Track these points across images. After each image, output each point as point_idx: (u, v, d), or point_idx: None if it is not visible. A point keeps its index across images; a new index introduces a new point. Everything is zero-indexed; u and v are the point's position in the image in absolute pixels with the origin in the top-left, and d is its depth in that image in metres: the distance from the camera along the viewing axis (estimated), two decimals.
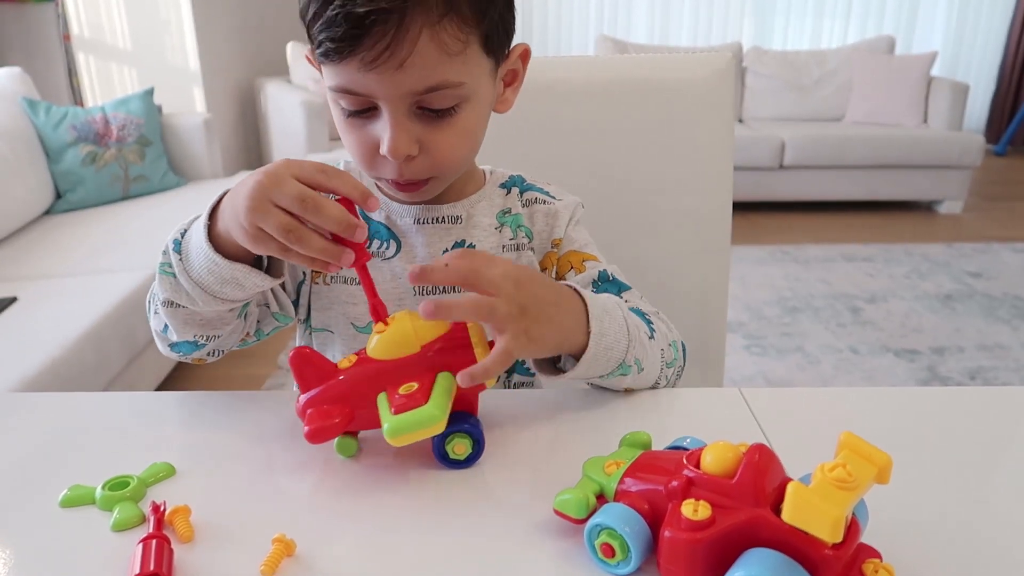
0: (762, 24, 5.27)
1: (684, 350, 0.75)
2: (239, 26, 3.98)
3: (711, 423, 0.64)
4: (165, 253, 0.64)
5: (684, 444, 0.51)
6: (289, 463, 0.59)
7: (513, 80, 0.75)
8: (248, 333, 0.74)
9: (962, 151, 3.97)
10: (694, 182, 1.01)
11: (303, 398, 0.58)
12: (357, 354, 0.59)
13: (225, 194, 0.61)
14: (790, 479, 0.43)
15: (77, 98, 3.24)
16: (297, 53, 3.82)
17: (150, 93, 2.88)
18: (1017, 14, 5.02)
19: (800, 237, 3.77)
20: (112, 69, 3.50)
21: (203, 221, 0.61)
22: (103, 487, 0.53)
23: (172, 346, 0.72)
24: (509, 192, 0.82)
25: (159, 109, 2.95)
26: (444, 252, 0.77)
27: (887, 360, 2.50)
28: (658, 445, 0.54)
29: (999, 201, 4.34)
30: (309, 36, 0.65)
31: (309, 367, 0.58)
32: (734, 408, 0.65)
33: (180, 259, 0.63)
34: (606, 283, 0.77)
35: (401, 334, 0.57)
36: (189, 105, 3.59)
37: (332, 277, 0.78)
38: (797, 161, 4.05)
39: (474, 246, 0.78)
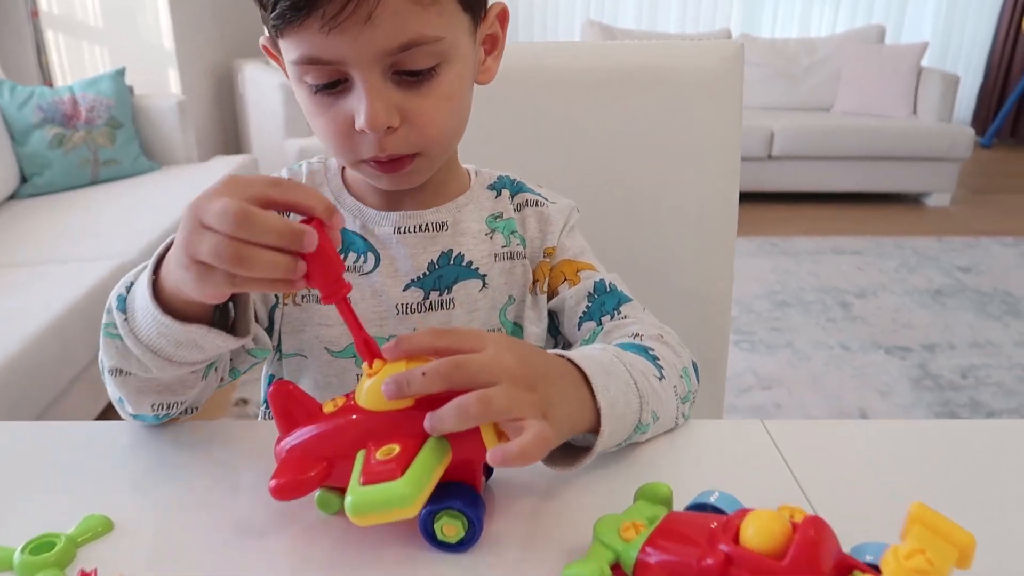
0: (751, 11, 5.19)
1: (696, 369, 0.68)
2: (216, 5, 3.85)
3: (734, 464, 0.57)
4: (109, 312, 0.55)
5: (711, 501, 0.44)
6: (258, 518, 0.50)
7: (494, 47, 0.67)
8: (221, 378, 0.65)
9: (952, 143, 3.93)
10: (698, 178, 0.94)
11: (285, 443, 0.50)
12: (347, 396, 0.51)
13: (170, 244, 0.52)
14: (847, 556, 0.36)
15: (45, 77, 3.11)
16: None
17: (121, 73, 2.77)
18: (1007, 5, 4.99)
19: (789, 229, 3.72)
20: (82, 47, 3.36)
21: (147, 275, 0.52)
22: (23, 550, 0.45)
23: (134, 416, 0.63)
24: (499, 194, 0.74)
25: (131, 90, 2.83)
26: (430, 264, 0.69)
27: (878, 357, 2.46)
28: (679, 496, 0.47)
29: (986, 194, 4.31)
30: (260, 6, 0.57)
31: (292, 405, 0.50)
32: (757, 444, 0.58)
33: (126, 319, 0.53)
34: (603, 294, 0.70)
35: None
36: (163, 87, 3.46)
37: (303, 296, 0.70)
38: (786, 151, 4.00)
39: (463, 256, 0.70)
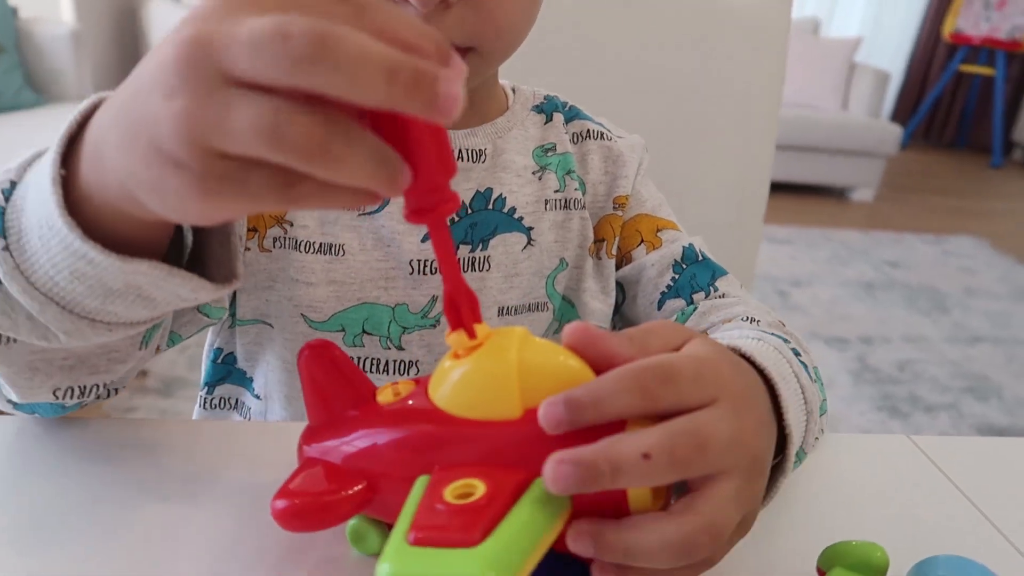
0: None
1: None
2: None
3: (896, 492, 0.44)
4: None
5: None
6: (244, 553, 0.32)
7: None
8: (156, 347, 0.44)
9: (880, 139, 3.97)
10: (731, 149, 0.79)
11: (318, 446, 0.33)
12: (416, 382, 0.33)
13: (94, 108, 0.30)
14: None
15: None
16: None
17: None
18: (931, 7, 5.10)
19: None
20: None
21: (51, 171, 0.29)
22: None
23: (16, 406, 0.41)
24: (550, 119, 0.56)
25: (14, 12, 2.46)
26: (461, 206, 0.49)
27: (818, 348, 2.41)
28: (836, 534, 0.31)
29: (905, 192, 4.40)
30: None
31: (334, 378, 0.33)
32: (915, 464, 0.44)
33: (6, 247, 0.31)
34: (694, 264, 0.54)
35: (495, 375, 0.30)
36: (53, 12, 3.06)
37: (276, 239, 0.50)
38: None
39: (504, 199, 0.52)
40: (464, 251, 0.52)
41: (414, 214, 0.27)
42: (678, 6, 0.78)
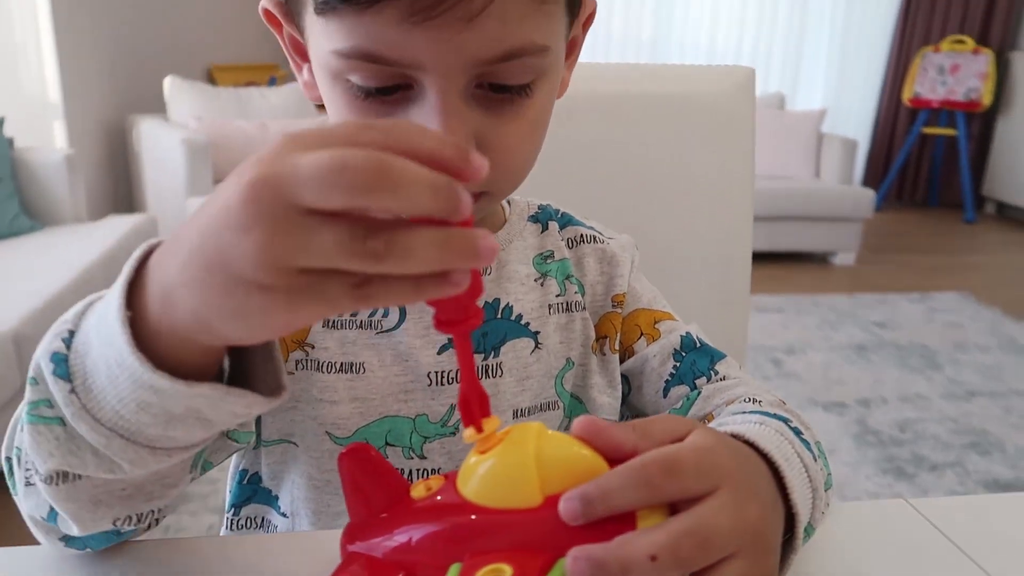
0: None
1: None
2: (109, 57, 3.59)
3: (904, 557, 0.46)
4: (36, 383, 0.36)
5: None
6: None
7: (570, 53, 0.54)
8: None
9: (855, 204, 4.09)
10: (711, 229, 0.83)
11: (356, 545, 0.36)
12: (446, 477, 0.36)
13: (153, 250, 0.33)
14: None
15: None
16: (177, 88, 3.46)
17: None
18: (888, 77, 5.33)
19: None
20: None
21: (118, 313, 0.32)
22: None
23: (68, 541, 0.42)
24: (545, 228, 0.60)
25: (10, 142, 2.55)
26: None
27: (817, 415, 2.42)
28: None
29: (885, 253, 4.49)
30: None
31: (370, 478, 0.36)
32: (916, 528, 0.46)
33: (73, 390, 0.34)
34: (693, 351, 0.57)
35: (515, 467, 0.33)
36: (47, 140, 3.16)
37: (298, 362, 0.53)
38: None
39: (511, 308, 0.55)
40: (478, 359, 0.55)
41: (443, 325, 0.31)
42: (646, 98, 0.82)
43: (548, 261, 0.58)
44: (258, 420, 0.54)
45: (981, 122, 5.31)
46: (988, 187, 5.38)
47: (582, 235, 0.61)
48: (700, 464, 0.32)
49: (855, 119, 5.41)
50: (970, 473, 2.11)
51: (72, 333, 0.35)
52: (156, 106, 3.64)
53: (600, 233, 0.62)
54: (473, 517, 0.33)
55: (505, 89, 0.45)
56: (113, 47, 3.63)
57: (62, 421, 0.35)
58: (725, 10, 5.13)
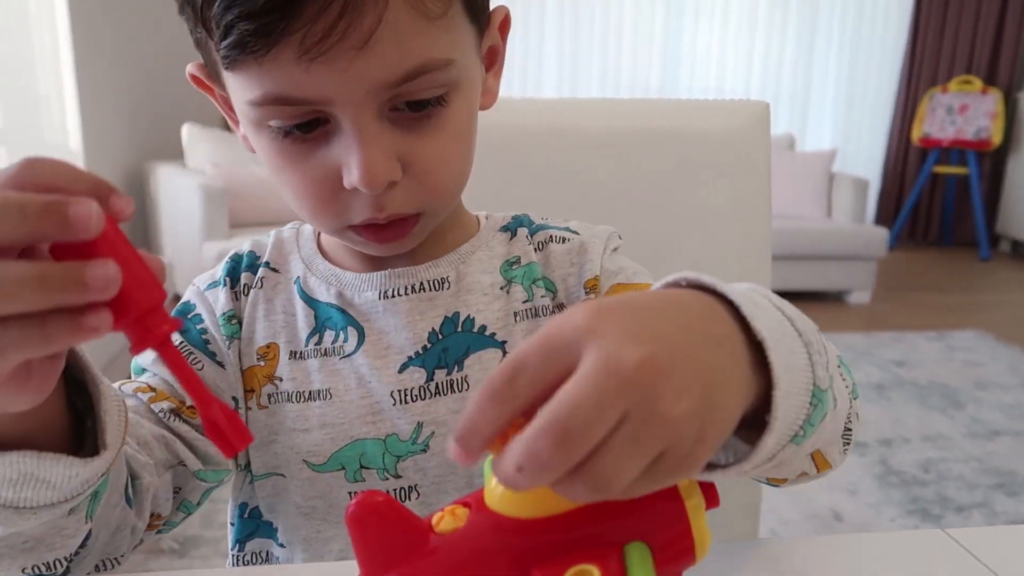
0: None
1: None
2: (129, 106, 3.68)
3: None
4: None
5: None
6: None
7: (494, 62, 0.54)
8: (156, 515, 0.47)
9: (867, 243, 4.08)
10: (730, 265, 0.83)
11: None
12: (465, 504, 0.33)
13: None
14: None
15: None
16: (194, 135, 3.53)
17: None
18: (896, 116, 5.37)
19: None
20: None
21: None
22: None
23: None
24: (514, 235, 0.60)
25: None
26: (431, 334, 0.54)
27: None
28: None
29: (900, 291, 4.47)
30: (205, 30, 0.42)
31: (385, 529, 0.32)
32: (955, 558, 0.45)
33: None
34: None
35: None
36: None
37: (270, 396, 0.53)
38: None
39: (472, 320, 0.55)
40: (441, 375, 0.54)
41: (138, 345, 0.30)
42: (662, 133, 0.83)
43: (514, 267, 0.58)
44: (247, 457, 0.55)
45: (992, 161, 5.32)
46: (1002, 225, 5.37)
47: (551, 236, 0.60)
48: (546, 344, 0.28)
49: (864, 159, 5.44)
50: (998, 514, 2.06)
51: None
52: (174, 153, 3.71)
53: (575, 232, 0.61)
54: (518, 532, 0.31)
55: (422, 106, 0.45)
56: (133, 97, 3.72)
57: None
58: (732, 53, 5.19)
